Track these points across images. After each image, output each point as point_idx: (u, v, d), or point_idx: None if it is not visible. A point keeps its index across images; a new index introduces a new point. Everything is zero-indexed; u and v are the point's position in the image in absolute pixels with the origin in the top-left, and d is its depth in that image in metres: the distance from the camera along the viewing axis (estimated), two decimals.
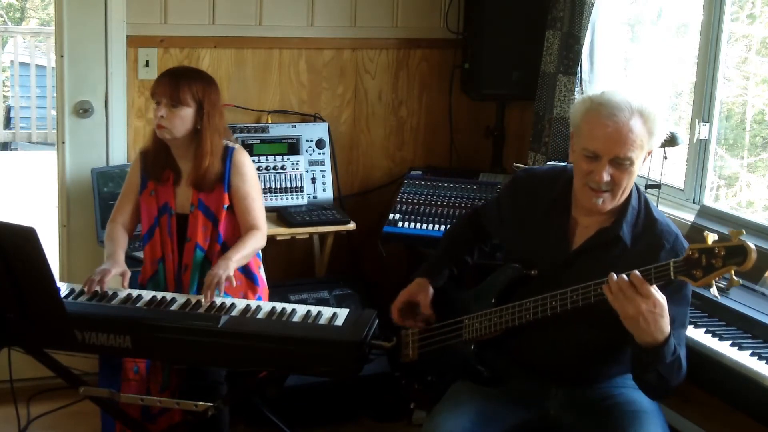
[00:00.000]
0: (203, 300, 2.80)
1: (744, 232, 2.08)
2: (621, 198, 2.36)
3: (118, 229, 3.09)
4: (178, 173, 3.07)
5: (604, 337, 2.35)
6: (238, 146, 3.10)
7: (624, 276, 2.18)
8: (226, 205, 3.03)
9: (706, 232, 2.13)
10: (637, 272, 2.17)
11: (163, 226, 3.07)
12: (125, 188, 3.15)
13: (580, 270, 2.32)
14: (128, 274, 2.93)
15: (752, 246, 2.05)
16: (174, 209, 3.07)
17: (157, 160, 3.06)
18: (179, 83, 2.95)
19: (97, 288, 2.82)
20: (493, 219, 2.70)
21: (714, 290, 2.14)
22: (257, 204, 3.09)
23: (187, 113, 2.96)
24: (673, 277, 2.13)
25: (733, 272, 2.07)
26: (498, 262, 2.67)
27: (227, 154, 3.04)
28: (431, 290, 2.66)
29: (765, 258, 2.76)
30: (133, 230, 3.15)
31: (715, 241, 2.09)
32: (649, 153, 2.35)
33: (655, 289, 2.16)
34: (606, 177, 2.30)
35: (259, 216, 3.08)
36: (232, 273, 2.86)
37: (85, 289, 2.83)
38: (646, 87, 3.86)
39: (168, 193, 3.07)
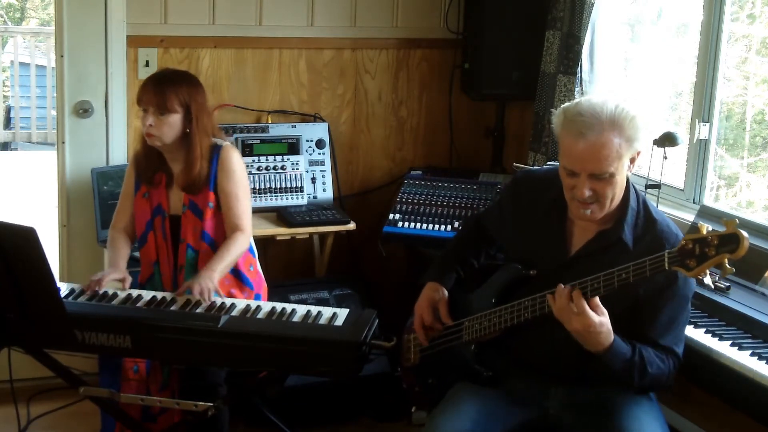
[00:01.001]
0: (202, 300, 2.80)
1: (737, 221, 2.08)
2: (611, 206, 2.35)
3: (119, 237, 3.09)
4: (170, 176, 3.06)
5: None
6: (226, 144, 3.07)
7: (565, 291, 2.24)
8: (211, 204, 3.01)
9: (700, 223, 2.14)
10: (578, 288, 2.23)
11: (157, 228, 3.06)
12: (123, 193, 3.15)
13: (580, 271, 2.31)
14: (129, 279, 2.93)
15: (745, 234, 2.05)
16: (167, 211, 3.06)
17: (148, 164, 3.05)
18: (165, 90, 2.93)
19: (97, 288, 2.82)
20: (494, 221, 2.70)
21: (708, 279, 2.15)
22: (242, 203, 3.04)
23: (175, 119, 2.95)
24: (667, 268, 2.15)
25: (726, 260, 2.07)
26: (499, 263, 2.67)
27: (214, 152, 3.03)
28: (446, 294, 2.65)
29: (765, 258, 2.77)
30: (134, 234, 3.14)
31: (708, 231, 2.10)
32: (638, 154, 2.33)
33: (595, 305, 2.22)
34: (587, 192, 2.29)
35: (244, 216, 3.03)
36: (217, 284, 2.86)
37: (84, 289, 2.84)
38: (646, 87, 3.86)
39: (161, 195, 3.06)
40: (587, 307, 2.22)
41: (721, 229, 2.09)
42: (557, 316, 2.27)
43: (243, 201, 3.05)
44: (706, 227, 2.11)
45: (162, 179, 3.06)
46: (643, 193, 2.46)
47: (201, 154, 2.98)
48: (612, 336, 2.26)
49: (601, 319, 2.23)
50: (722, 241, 2.07)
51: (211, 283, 2.83)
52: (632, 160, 2.32)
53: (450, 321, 2.60)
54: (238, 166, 3.05)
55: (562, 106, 2.38)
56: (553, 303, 2.27)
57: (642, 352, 2.31)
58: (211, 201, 3.01)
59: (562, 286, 2.26)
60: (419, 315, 2.65)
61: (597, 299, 2.24)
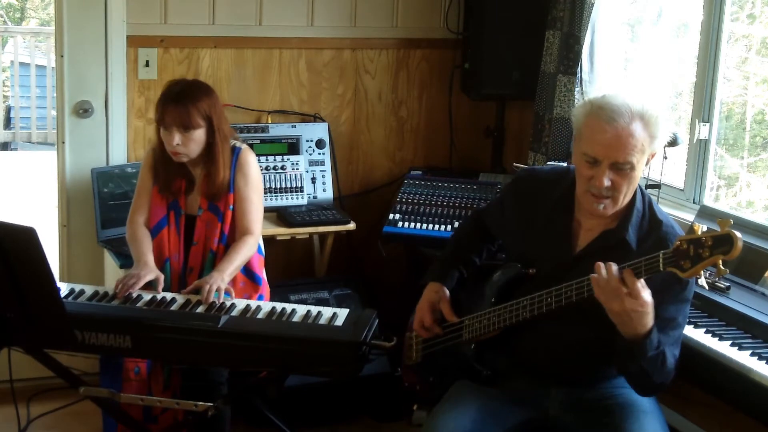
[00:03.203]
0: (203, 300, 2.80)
1: (732, 222, 2.08)
2: (623, 202, 2.35)
3: (140, 230, 3.07)
4: (191, 180, 3.07)
5: (603, 337, 2.34)
6: (245, 146, 3.09)
7: (613, 269, 2.18)
8: (231, 206, 3.03)
9: (695, 223, 2.14)
10: (630, 269, 2.17)
11: (171, 223, 3.06)
12: (139, 185, 3.14)
13: (583, 272, 2.30)
14: (162, 278, 2.92)
15: (738, 234, 2.05)
16: (183, 209, 3.07)
17: (168, 173, 3.04)
18: (188, 108, 2.92)
19: (131, 291, 2.82)
20: (496, 219, 2.70)
21: (702, 281, 2.15)
22: (255, 208, 3.06)
23: (200, 134, 2.95)
24: (662, 269, 2.14)
25: (720, 261, 2.07)
26: (500, 262, 2.67)
27: (233, 155, 3.04)
28: (448, 294, 2.64)
29: (765, 258, 2.77)
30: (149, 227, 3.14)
31: (703, 232, 2.10)
32: (652, 155, 2.34)
33: (642, 285, 2.16)
34: (606, 182, 2.30)
35: (255, 221, 3.06)
36: (228, 286, 2.87)
37: (117, 292, 2.82)
38: (646, 87, 3.86)
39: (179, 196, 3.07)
40: (640, 288, 2.16)
41: (716, 229, 2.09)
42: (601, 297, 2.19)
43: (257, 205, 3.07)
44: (701, 227, 2.11)
45: (181, 186, 3.06)
46: (649, 195, 2.46)
47: (224, 162, 2.99)
48: (652, 319, 2.21)
49: (651, 300, 2.18)
50: (716, 242, 2.06)
51: (223, 284, 2.84)
52: (647, 162, 2.34)
53: (455, 318, 2.59)
54: (255, 171, 3.07)
55: (587, 97, 2.39)
56: (598, 283, 2.19)
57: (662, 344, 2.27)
58: (231, 203, 3.03)
59: (603, 265, 2.19)
60: (419, 317, 2.65)
61: (642, 280, 2.17)
